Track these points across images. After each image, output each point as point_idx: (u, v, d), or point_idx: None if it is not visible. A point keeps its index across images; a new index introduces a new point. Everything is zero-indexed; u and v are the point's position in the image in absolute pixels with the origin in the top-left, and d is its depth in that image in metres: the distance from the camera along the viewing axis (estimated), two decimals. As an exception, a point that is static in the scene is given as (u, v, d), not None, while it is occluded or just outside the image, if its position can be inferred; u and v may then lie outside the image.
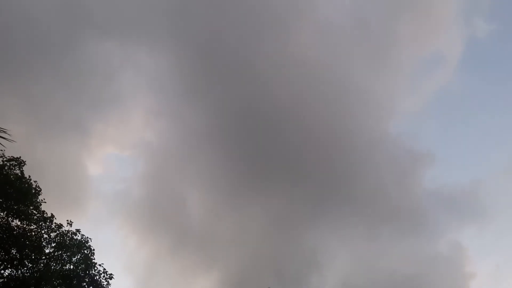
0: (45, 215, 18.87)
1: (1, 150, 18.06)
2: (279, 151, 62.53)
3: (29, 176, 18.55)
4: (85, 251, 19.29)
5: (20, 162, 18.29)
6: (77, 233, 19.54)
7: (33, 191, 18.48)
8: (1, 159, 18.08)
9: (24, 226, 18.24)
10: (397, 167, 65.93)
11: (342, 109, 62.23)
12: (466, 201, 65.14)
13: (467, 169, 76.07)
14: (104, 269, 19.54)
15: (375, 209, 64.45)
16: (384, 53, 68.36)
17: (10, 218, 18.22)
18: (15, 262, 18.25)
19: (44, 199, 19.10)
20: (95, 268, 19.32)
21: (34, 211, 18.53)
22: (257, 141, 63.39)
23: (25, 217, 18.04)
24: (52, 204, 19.69)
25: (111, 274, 19.55)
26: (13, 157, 18.22)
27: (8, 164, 18.01)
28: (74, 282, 19.05)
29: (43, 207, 19.17)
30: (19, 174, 18.16)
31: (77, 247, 19.10)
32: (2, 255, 17.99)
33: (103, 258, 20.45)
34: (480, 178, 72.94)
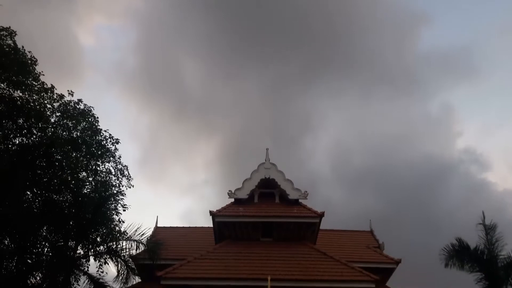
0: (45, 86, 19.12)
1: (-11, 20, 17.46)
2: (273, 17, 60.30)
3: (23, 47, 18.29)
4: (90, 119, 20.08)
5: (11, 32, 17.79)
6: (80, 102, 20.12)
7: (29, 61, 18.42)
8: (-9, 29, 17.56)
9: (27, 96, 18.61)
10: (392, 28, 64.45)
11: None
12: (459, 62, 65.30)
13: (462, 30, 74.31)
14: (110, 134, 20.60)
15: (369, 71, 64.80)
16: None
17: (11, 90, 18.45)
18: (24, 131, 19.11)
19: (42, 71, 19.17)
20: (101, 134, 20.34)
21: (34, 82, 18.70)
22: (251, 5, 60.64)
23: (25, 87, 18.28)
24: (47, 76, 19.77)
25: (117, 139, 20.69)
26: (3, 27, 17.70)
27: (-2, 34, 17.58)
28: (83, 147, 20.25)
29: (41, 79, 19.32)
30: (12, 44, 17.86)
31: (81, 115, 19.83)
32: (10, 124, 18.73)
33: (107, 126, 21.33)
34: (474, 38, 71.81)
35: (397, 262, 21.55)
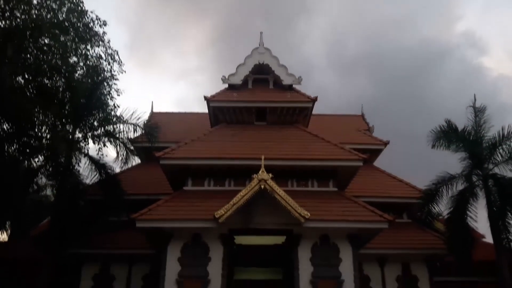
0: (20, -39, 17.75)
1: None
2: None
3: None
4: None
5: None
6: (61, -19, 18.88)
7: None
8: None
9: (3, -27, 17.38)
10: None
11: None
12: None
13: None
14: (97, 16, 19.73)
15: None
16: None
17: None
18: (6, 14, 18.22)
19: None
20: (88, 16, 19.50)
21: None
22: None
23: (0, -37, 16.99)
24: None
25: (104, 20, 19.88)
26: None
27: None
28: (71, 31, 19.52)
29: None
30: None
31: (64, -5, 18.79)
32: (-10, 7, 17.79)
33: (92, 9, 20.25)
34: None
35: (385, 143, 22.35)
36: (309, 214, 15.05)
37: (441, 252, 18.08)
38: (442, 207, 18.41)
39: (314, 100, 20.35)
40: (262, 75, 21.44)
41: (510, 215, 17.22)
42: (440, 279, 18.96)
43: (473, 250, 17.21)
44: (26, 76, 19.17)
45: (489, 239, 18.50)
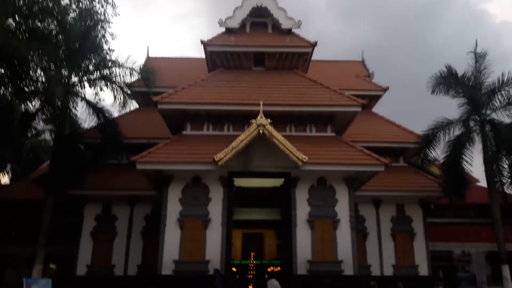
0: None
1: None
2: None
3: None
4: None
5: None
6: None
7: None
8: None
9: None
10: None
11: None
12: None
13: None
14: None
15: None
16: None
17: None
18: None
19: None
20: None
21: None
22: None
23: None
24: None
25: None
26: None
27: None
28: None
29: None
30: None
31: None
32: None
33: None
34: None
35: (384, 90, 22.20)
36: (306, 158, 15.21)
37: (436, 194, 18.52)
38: (439, 152, 18.63)
39: (313, 44, 19.94)
40: (260, 19, 20.87)
41: (504, 159, 17.52)
42: (434, 220, 19.57)
43: (467, 193, 17.61)
44: (17, 18, 18.57)
45: (482, 183, 18.90)
